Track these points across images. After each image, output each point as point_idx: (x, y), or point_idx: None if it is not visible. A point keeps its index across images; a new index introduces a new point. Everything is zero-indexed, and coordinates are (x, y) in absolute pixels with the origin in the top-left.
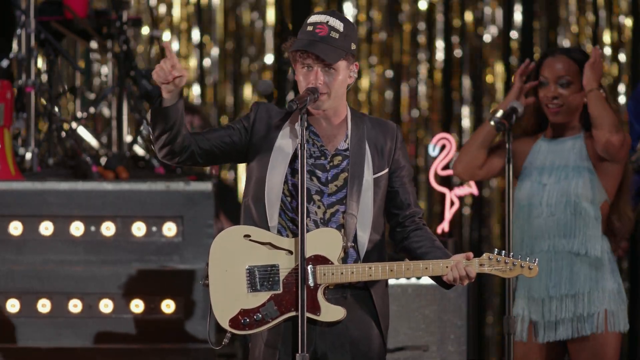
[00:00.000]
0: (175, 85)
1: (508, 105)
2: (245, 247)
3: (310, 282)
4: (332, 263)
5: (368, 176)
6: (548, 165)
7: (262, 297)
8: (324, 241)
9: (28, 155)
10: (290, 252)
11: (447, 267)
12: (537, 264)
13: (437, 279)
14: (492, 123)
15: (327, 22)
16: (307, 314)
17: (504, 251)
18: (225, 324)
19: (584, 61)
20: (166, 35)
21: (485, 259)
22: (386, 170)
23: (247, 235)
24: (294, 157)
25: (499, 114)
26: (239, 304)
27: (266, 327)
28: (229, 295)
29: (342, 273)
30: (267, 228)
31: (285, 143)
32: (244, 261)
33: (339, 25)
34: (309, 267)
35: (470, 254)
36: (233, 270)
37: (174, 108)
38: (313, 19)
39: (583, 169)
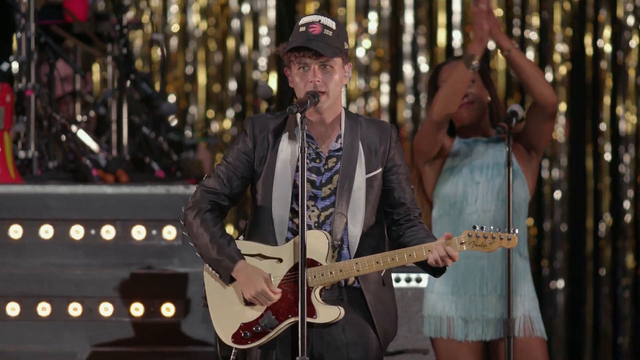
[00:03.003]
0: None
1: (508, 109)
2: None
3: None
4: (320, 265)
5: (360, 176)
6: (477, 164)
7: (259, 308)
8: (311, 244)
9: (28, 159)
10: (280, 260)
11: (429, 251)
12: (517, 234)
13: (425, 267)
14: (470, 70)
15: (320, 21)
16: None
17: (484, 227)
18: (228, 340)
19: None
20: None
21: (465, 236)
22: (379, 170)
23: None
24: (296, 168)
25: (476, 61)
26: (238, 319)
27: (268, 337)
28: (227, 311)
29: (331, 273)
30: (275, 241)
31: (286, 154)
32: None
33: (331, 23)
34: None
35: (450, 234)
36: (228, 287)
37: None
38: (304, 20)
39: (514, 168)
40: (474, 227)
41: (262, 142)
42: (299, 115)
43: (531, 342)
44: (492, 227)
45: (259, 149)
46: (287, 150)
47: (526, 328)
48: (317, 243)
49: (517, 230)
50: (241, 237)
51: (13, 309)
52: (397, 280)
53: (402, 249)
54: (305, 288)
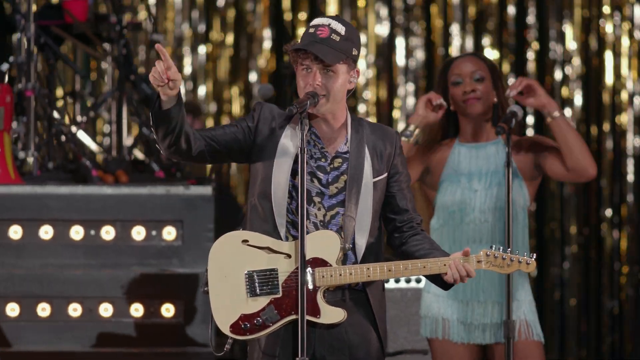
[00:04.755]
0: (170, 88)
1: (508, 110)
2: (244, 252)
3: (310, 285)
4: (330, 265)
5: (368, 179)
6: (475, 171)
7: (262, 301)
8: (322, 243)
9: (28, 159)
10: (289, 256)
11: (444, 265)
12: (535, 259)
13: (435, 279)
14: (404, 138)
15: (329, 24)
16: (308, 317)
17: (501, 247)
18: (226, 329)
19: (489, 61)
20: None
21: (483, 255)
22: (385, 175)
23: (245, 241)
24: (296, 157)
25: (411, 128)
26: (239, 309)
27: (267, 332)
28: (229, 300)
29: (340, 275)
30: (275, 226)
31: (288, 143)
32: (243, 266)
33: (340, 28)
34: (308, 270)
35: (468, 250)
36: (232, 276)
37: (173, 110)
38: (316, 21)
39: (513, 175)
40: (491, 247)
41: (267, 124)
42: (299, 115)
43: (528, 345)
44: (510, 249)
45: (261, 127)
46: (289, 141)
47: (522, 332)
48: (329, 243)
49: (535, 256)
50: (239, 228)
51: (13, 309)
52: (397, 280)
53: (416, 260)
54: (311, 287)
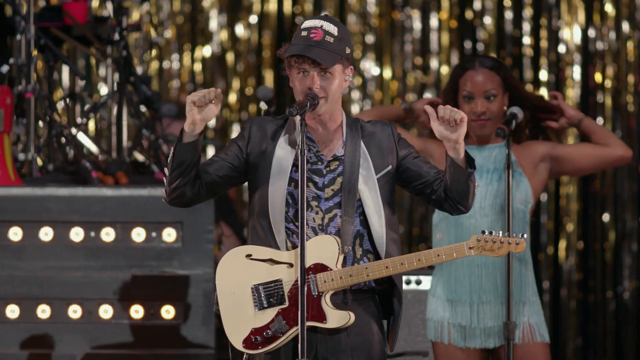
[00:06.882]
0: (204, 116)
1: (508, 111)
2: (248, 266)
3: (313, 292)
4: (331, 269)
5: (369, 179)
6: (477, 169)
7: (270, 313)
8: (321, 249)
9: (28, 161)
10: (291, 265)
11: (438, 255)
12: (525, 239)
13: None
14: (403, 106)
15: (322, 26)
16: (315, 324)
17: (493, 231)
18: (239, 346)
19: (501, 68)
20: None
21: (473, 241)
22: (389, 168)
23: (248, 255)
24: (293, 166)
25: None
26: (249, 324)
27: (278, 343)
28: (239, 316)
29: (341, 278)
30: (275, 242)
31: (283, 154)
32: (249, 281)
33: (333, 29)
34: (310, 277)
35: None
36: (239, 292)
37: (194, 145)
38: (307, 24)
39: (514, 172)
40: (483, 232)
41: (258, 141)
42: (298, 118)
43: (532, 348)
44: (500, 232)
45: (253, 145)
46: (284, 152)
47: (526, 334)
48: (328, 248)
49: (525, 235)
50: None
51: (13, 311)
52: None
53: (411, 255)
54: (315, 293)
